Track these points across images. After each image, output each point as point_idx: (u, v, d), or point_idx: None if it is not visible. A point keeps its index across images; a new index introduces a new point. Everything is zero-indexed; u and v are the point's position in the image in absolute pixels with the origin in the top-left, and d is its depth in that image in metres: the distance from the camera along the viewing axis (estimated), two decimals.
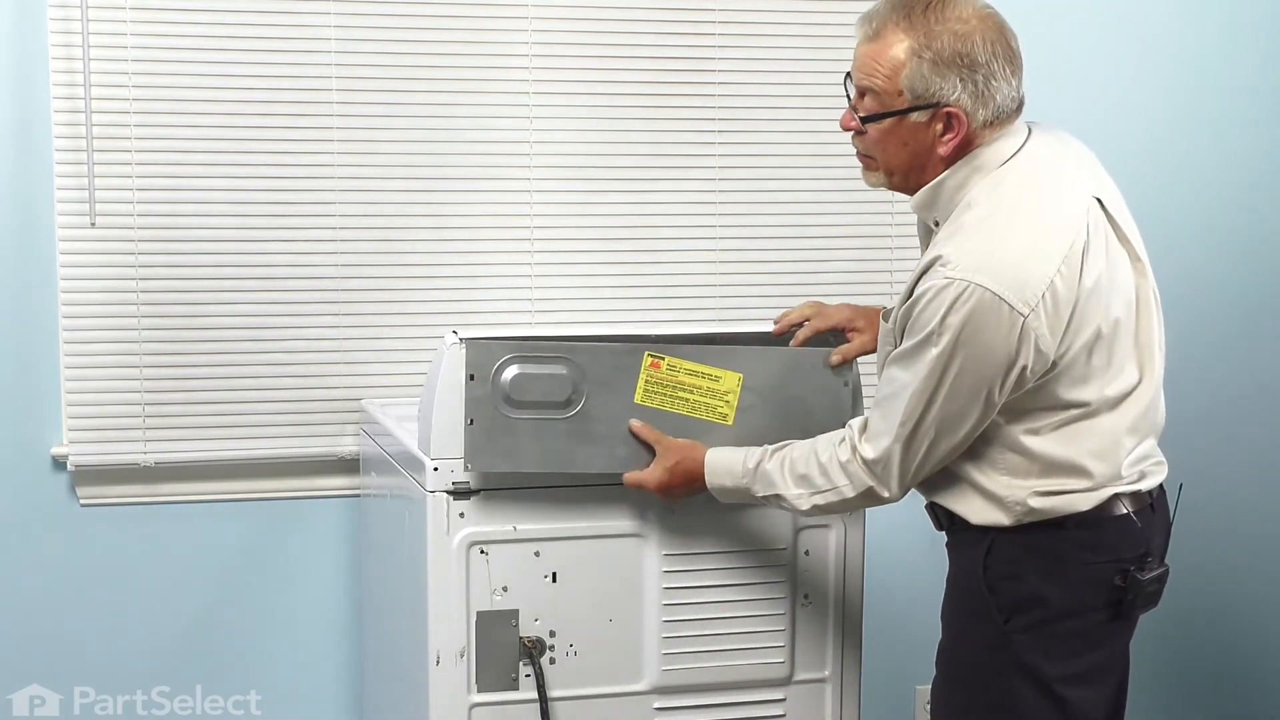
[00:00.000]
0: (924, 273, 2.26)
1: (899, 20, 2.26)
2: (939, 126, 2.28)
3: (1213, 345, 3.70)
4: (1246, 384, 3.75)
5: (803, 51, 3.41)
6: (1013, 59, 2.28)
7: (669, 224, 3.40)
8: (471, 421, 2.53)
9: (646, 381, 2.57)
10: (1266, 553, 3.81)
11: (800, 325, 2.67)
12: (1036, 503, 2.31)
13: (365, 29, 3.21)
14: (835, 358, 2.63)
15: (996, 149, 2.30)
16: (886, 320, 2.39)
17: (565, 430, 2.55)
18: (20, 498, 3.22)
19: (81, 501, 3.23)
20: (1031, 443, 2.30)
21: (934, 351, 2.23)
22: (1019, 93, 2.30)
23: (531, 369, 2.53)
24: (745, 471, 2.48)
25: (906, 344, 2.28)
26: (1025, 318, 2.19)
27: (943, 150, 2.29)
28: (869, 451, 2.33)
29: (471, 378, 2.52)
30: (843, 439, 2.38)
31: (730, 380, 2.59)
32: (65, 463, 3.18)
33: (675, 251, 3.41)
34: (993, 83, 2.25)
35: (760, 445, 2.50)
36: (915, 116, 2.28)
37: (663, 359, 2.57)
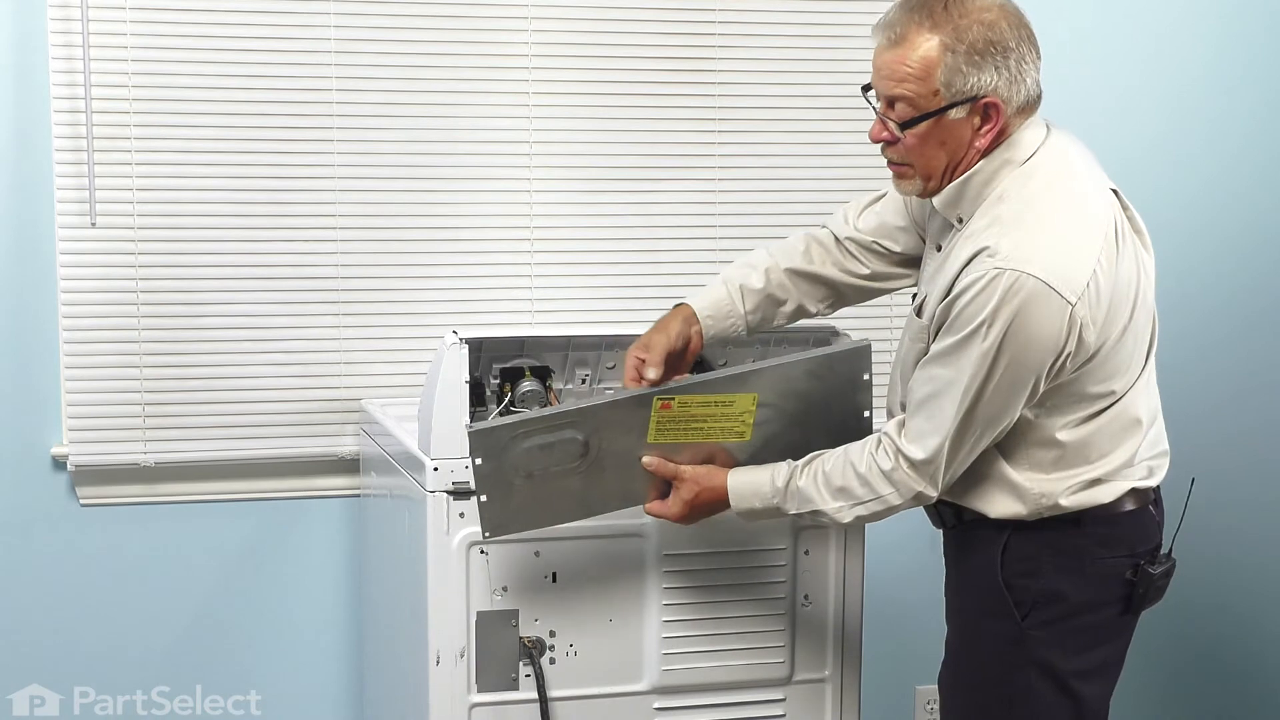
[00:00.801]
0: (967, 264, 2.24)
1: (921, 20, 2.24)
2: (977, 119, 2.27)
3: (1218, 342, 3.70)
4: (1250, 380, 3.75)
5: (803, 51, 3.41)
6: (1035, 44, 2.29)
7: (669, 224, 3.40)
8: (484, 498, 2.46)
9: (658, 423, 2.49)
10: (1270, 548, 3.81)
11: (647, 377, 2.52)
12: (1066, 500, 2.31)
13: (365, 29, 3.21)
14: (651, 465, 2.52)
15: (1025, 138, 2.30)
16: (920, 315, 2.37)
17: (580, 480, 2.50)
18: (20, 498, 3.22)
19: (81, 501, 3.23)
20: (1061, 435, 2.30)
21: (983, 344, 2.21)
22: (1039, 76, 2.31)
23: (539, 439, 2.46)
24: (775, 491, 2.43)
25: (948, 340, 2.25)
26: (1073, 306, 2.19)
27: (980, 143, 2.28)
28: (917, 453, 2.30)
29: (479, 461, 2.44)
30: (879, 444, 2.35)
31: (745, 401, 2.51)
32: (65, 463, 3.18)
33: (675, 251, 3.41)
34: (1024, 67, 2.26)
35: (781, 456, 2.47)
36: (954, 113, 2.25)
37: (673, 399, 2.48)
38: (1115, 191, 2.35)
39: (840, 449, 2.40)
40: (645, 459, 2.50)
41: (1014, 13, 2.28)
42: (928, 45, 2.23)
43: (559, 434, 2.45)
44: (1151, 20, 3.61)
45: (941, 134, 2.27)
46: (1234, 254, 3.70)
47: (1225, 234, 3.70)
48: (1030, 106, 2.30)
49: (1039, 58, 2.30)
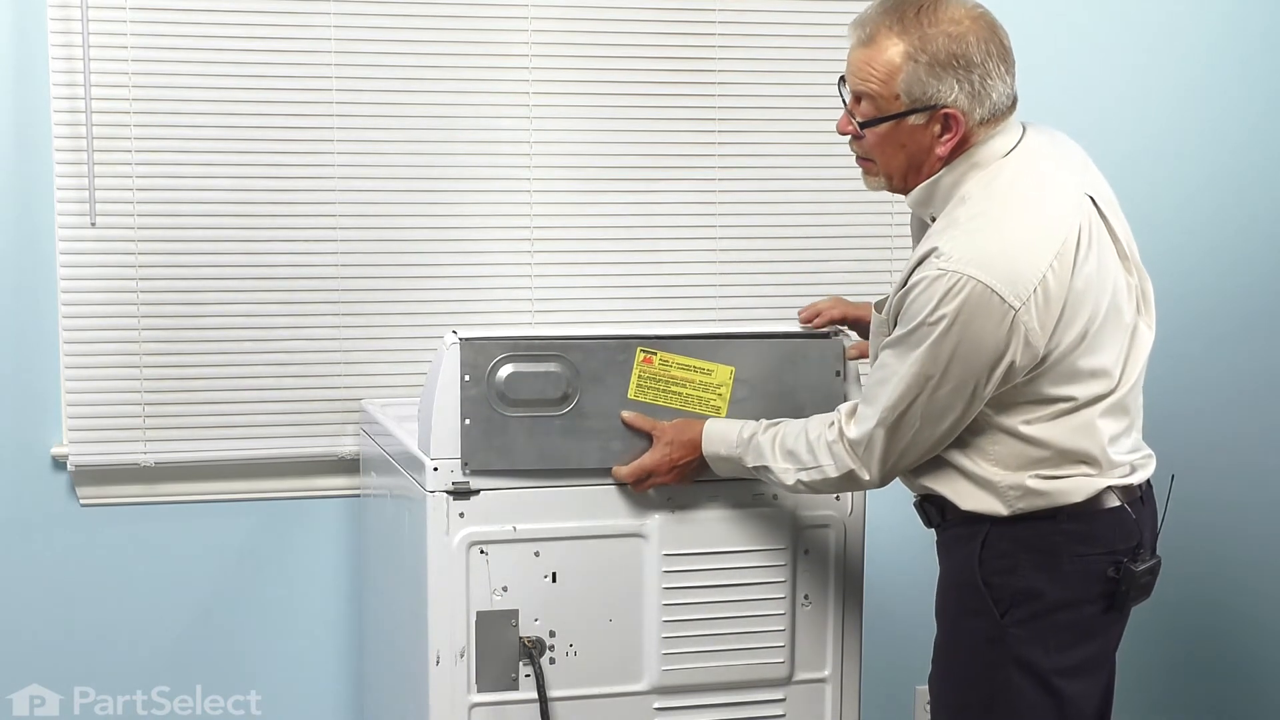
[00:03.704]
0: (919, 264, 2.28)
1: (891, 24, 2.27)
2: (937, 128, 2.29)
3: (1208, 342, 3.70)
4: (1239, 380, 3.75)
5: (803, 51, 3.41)
6: (1005, 57, 2.29)
7: (669, 224, 3.40)
8: (468, 421, 2.54)
9: (639, 377, 2.59)
10: (1257, 546, 3.81)
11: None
12: (1034, 484, 2.32)
13: (365, 29, 3.21)
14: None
15: (992, 146, 2.31)
16: (879, 311, 2.41)
17: (560, 427, 2.57)
18: (20, 498, 3.22)
19: (81, 501, 3.23)
20: (1027, 430, 2.31)
21: (925, 342, 2.25)
22: (1013, 90, 2.32)
23: (525, 367, 2.55)
24: (740, 441, 2.50)
25: (899, 331, 2.30)
26: (1016, 311, 2.21)
27: (940, 150, 2.30)
28: (853, 432, 2.36)
29: (467, 378, 2.53)
30: (832, 421, 2.41)
31: (722, 373, 2.60)
32: (65, 463, 3.18)
33: (675, 251, 3.41)
34: (988, 82, 2.27)
35: None
36: (913, 119, 2.29)
37: (655, 354, 2.59)
38: (1092, 198, 2.34)
39: (807, 418, 2.47)
40: (623, 412, 2.58)
41: (986, 25, 2.29)
42: (893, 50, 2.27)
43: (544, 365, 2.55)
44: (1151, 20, 3.61)
45: (901, 137, 2.31)
46: (1224, 254, 3.71)
47: (1216, 233, 3.70)
48: (997, 117, 2.31)
49: (1010, 70, 2.30)
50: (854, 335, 2.71)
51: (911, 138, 2.31)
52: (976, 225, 2.26)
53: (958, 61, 2.25)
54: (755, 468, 2.50)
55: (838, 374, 2.66)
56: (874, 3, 2.33)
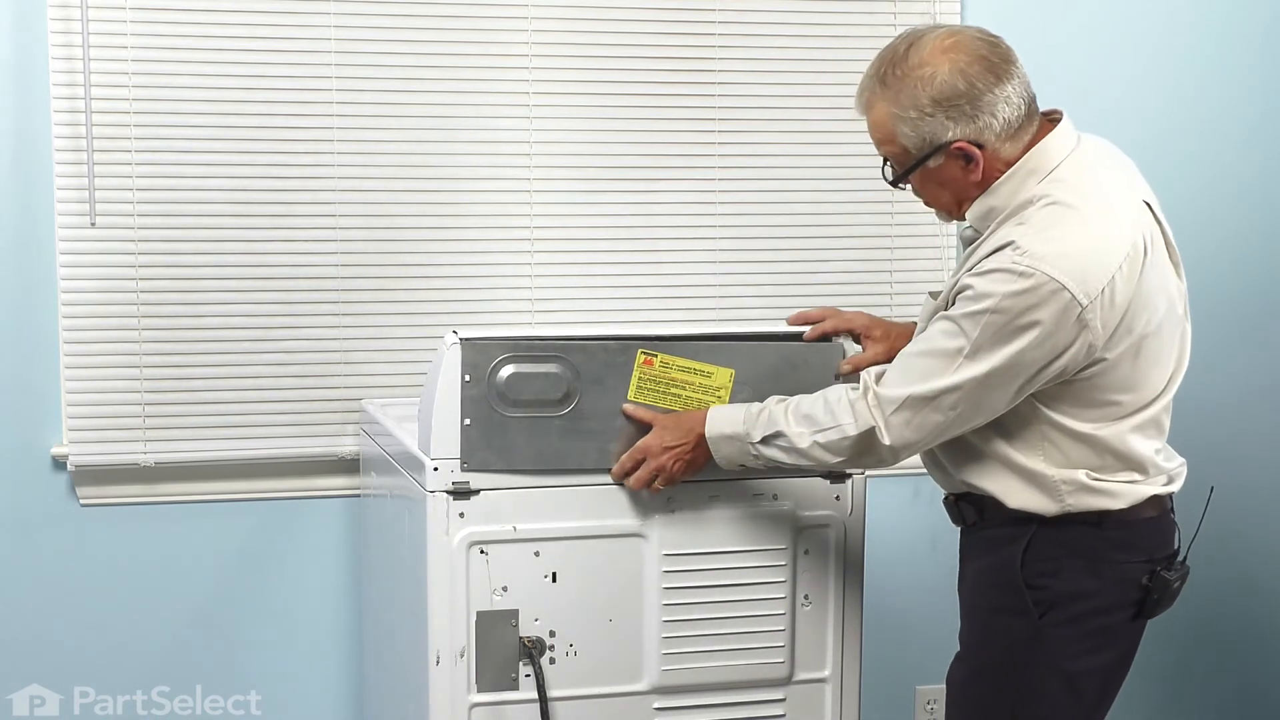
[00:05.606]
0: (990, 255, 2.27)
1: (875, 86, 2.32)
2: (959, 161, 2.31)
3: (1210, 344, 3.70)
4: (1239, 382, 3.75)
5: (803, 51, 3.41)
6: (995, 69, 2.28)
7: (669, 224, 3.40)
8: (468, 421, 2.54)
9: (639, 379, 2.59)
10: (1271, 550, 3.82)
11: (814, 324, 2.67)
12: (1088, 480, 2.33)
13: (365, 29, 3.22)
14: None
15: (1050, 150, 2.31)
16: (935, 298, 2.41)
17: (560, 428, 2.57)
18: (20, 498, 3.22)
19: (81, 501, 3.23)
20: (1080, 429, 2.32)
21: (984, 331, 2.24)
22: (1021, 93, 2.30)
23: (526, 368, 2.55)
24: (747, 417, 2.47)
25: (960, 309, 2.27)
26: (1084, 307, 2.21)
27: (975, 178, 2.32)
28: (883, 389, 2.33)
29: (467, 378, 2.53)
30: (857, 384, 2.39)
31: (722, 376, 2.60)
32: (65, 463, 3.18)
33: (675, 251, 3.41)
34: (981, 103, 2.27)
35: None
36: (931, 162, 2.31)
37: (655, 356, 2.59)
38: (1149, 205, 2.36)
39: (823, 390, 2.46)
40: (625, 405, 2.58)
41: (962, 50, 2.27)
42: (880, 111, 2.32)
43: (544, 366, 2.55)
44: (1151, 20, 3.61)
45: (935, 177, 2.35)
46: (1230, 254, 3.70)
47: (1222, 232, 3.69)
48: (1020, 126, 2.30)
49: (1005, 78, 2.28)
50: (854, 346, 2.70)
51: (944, 175, 2.33)
52: (1051, 222, 2.25)
53: (941, 102, 2.26)
54: (764, 439, 2.44)
55: (838, 378, 2.65)
56: (868, 67, 2.36)
